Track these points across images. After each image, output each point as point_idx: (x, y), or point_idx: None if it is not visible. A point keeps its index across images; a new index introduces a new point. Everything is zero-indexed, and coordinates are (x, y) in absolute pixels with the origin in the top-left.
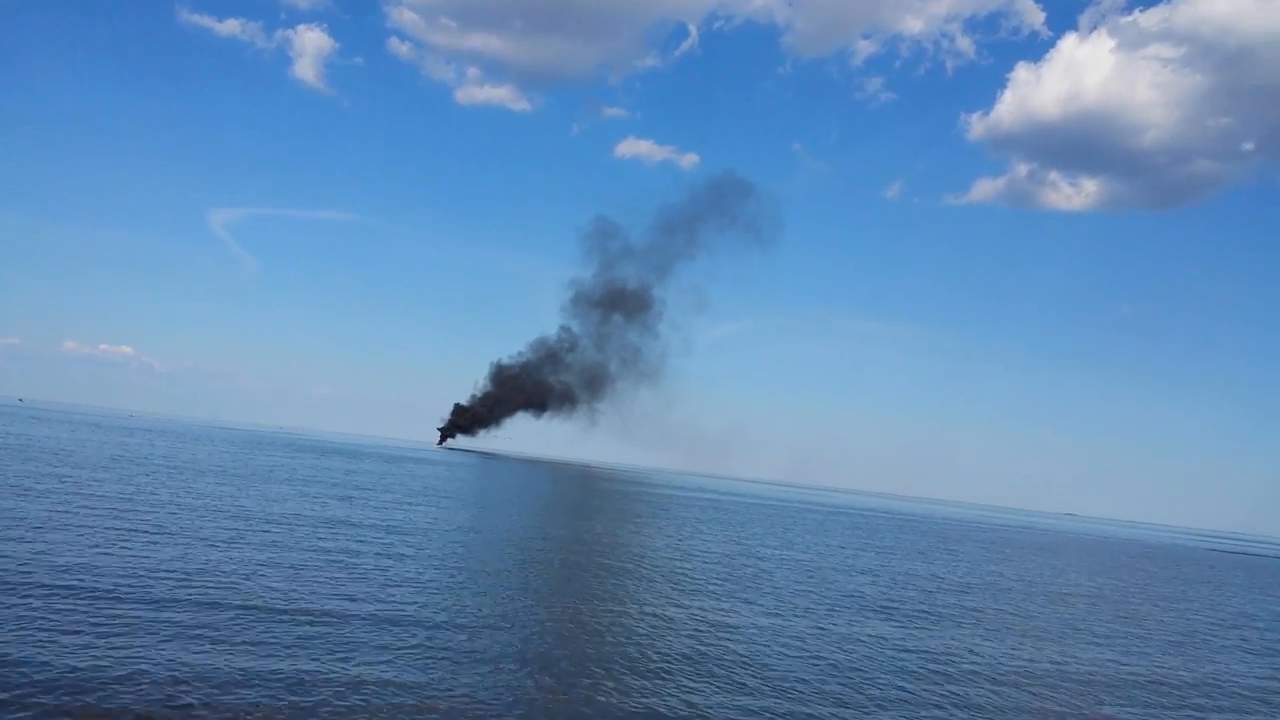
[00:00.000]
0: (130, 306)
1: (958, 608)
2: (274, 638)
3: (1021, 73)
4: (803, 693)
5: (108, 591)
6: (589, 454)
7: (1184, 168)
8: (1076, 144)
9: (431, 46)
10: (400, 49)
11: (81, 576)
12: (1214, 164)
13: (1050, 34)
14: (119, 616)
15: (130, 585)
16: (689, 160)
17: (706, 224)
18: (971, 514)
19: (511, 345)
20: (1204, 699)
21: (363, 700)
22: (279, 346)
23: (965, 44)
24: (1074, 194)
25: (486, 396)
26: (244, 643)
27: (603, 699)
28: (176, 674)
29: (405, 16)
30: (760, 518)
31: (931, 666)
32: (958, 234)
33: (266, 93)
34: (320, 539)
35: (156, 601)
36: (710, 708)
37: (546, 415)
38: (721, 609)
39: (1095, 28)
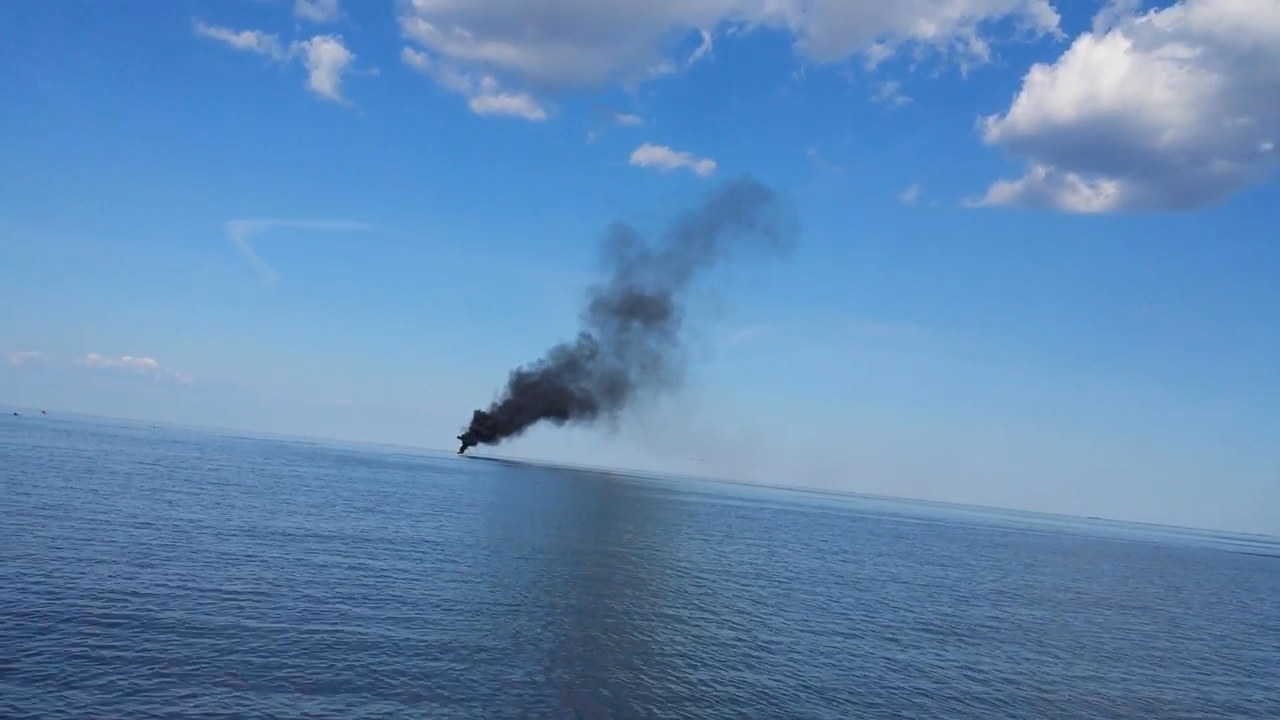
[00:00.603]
0: (153, 319)
1: (1008, 623)
2: (319, 665)
3: (1037, 75)
4: None
5: (149, 616)
6: (608, 461)
7: (1202, 168)
8: (1093, 146)
9: (446, 56)
10: (415, 59)
11: (115, 601)
12: (1232, 164)
13: (1065, 36)
14: (169, 644)
15: (178, 606)
16: (705, 167)
17: (724, 230)
18: (995, 518)
19: (529, 353)
20: None
21: None
22: (299, 357)
23: (980, 47)
24: (1092, 196)
25: (507, 404)
26: (297, 670)
27: None
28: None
29: (420, 27)
30: (787, 524)
31: (992, 691)
32: (975, 237)
33: (283, 104)
34: (358, 555)
35: (203, 629)
36: None
37: (568, 423)
38: (773, 627)
39: (1110, 29)
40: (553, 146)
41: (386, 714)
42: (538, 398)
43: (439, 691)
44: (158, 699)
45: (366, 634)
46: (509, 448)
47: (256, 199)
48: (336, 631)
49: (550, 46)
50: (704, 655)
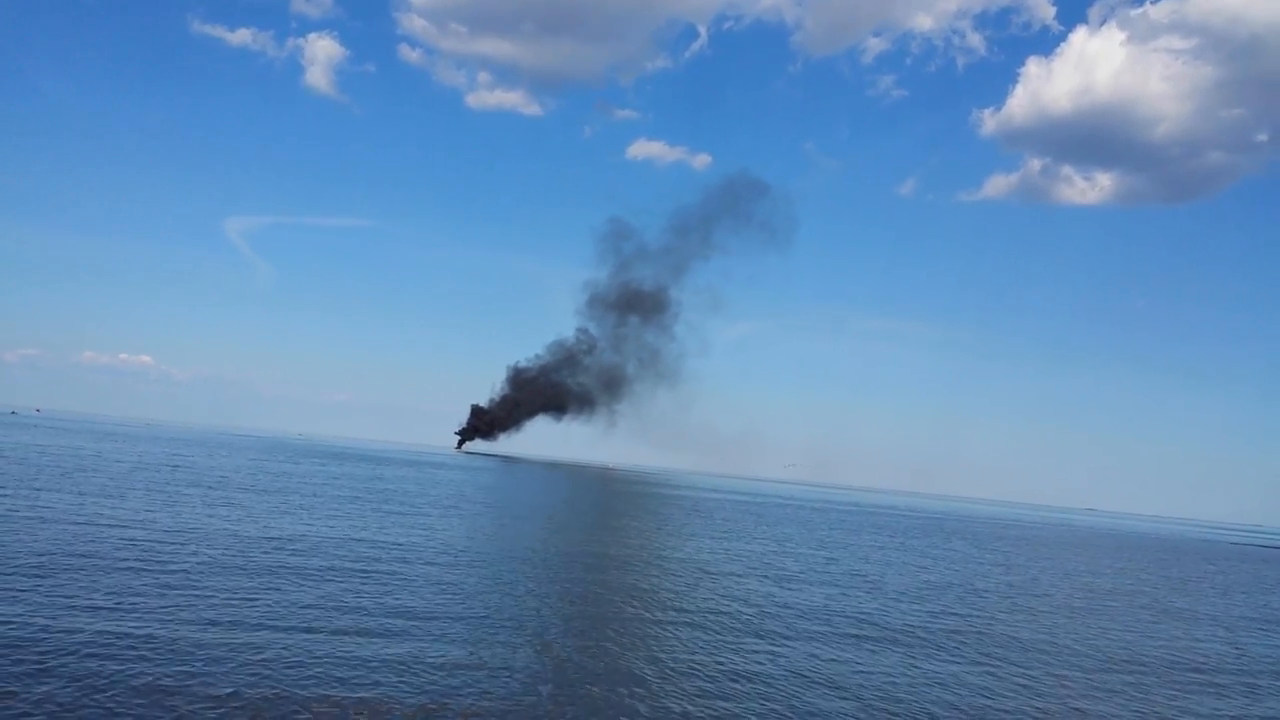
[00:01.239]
0: (149, 316)
1: (1029, 627)
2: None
3: (1032, 67)
4: None
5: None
6: (607, 456)
7: (1197, 160)
8: (1089, 138)
9: (442, 52)
10: (411, 55)
11: (131, 599)
12: (1227, 156)
13: (1061, 28)
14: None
15: (219, 609)
16: (701, 161)
17: (721, 224)
18: (993, 511)
19: (526, 349)
20: None
21: None
22: (296, 353)
23: (976, 40)
24: (1088, 188)
25: (505, 400)
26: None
27: None
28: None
29: (415, 23)
30: (790, 519)
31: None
32: (972, 230)
33: (279, 101)
34: (361, 558)
35: (224, 623)
36: None
37: (566, 418)
38: (794, 636)
39: (1105, 21)
40: (549, 142)
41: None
42: (535, 393)
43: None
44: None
45: (376, 640)
46: (507, 443)
47: (253, 196)
48: (342, 635)
49: (546, 41)
50: (724, 664)
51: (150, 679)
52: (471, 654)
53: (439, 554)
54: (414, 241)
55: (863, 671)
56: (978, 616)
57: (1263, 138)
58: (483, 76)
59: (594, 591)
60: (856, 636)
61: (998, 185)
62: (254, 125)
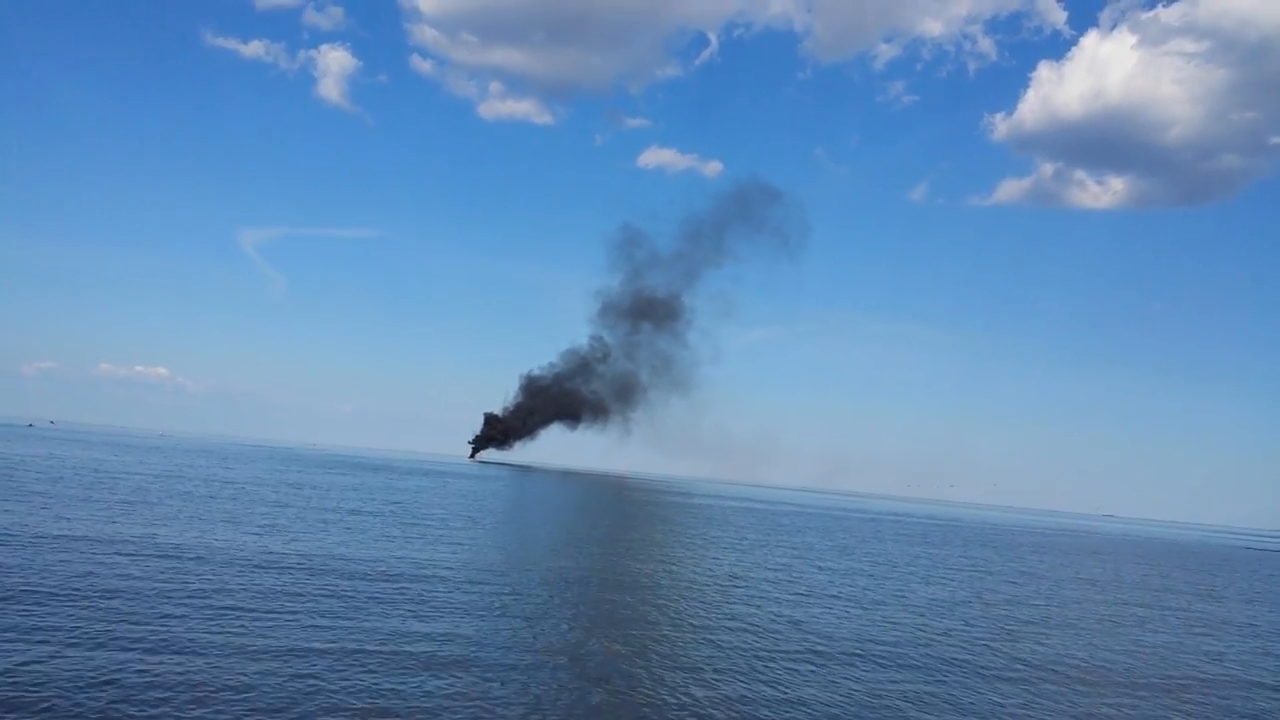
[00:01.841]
0: (164, 328)
1: (1071, 648)
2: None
3: (1044, 72)
4: None
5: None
6: (620, 464)
7: (1210, 163)
8: (1101, 142)
9: (453, 62)
10: (423, 66)
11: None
12: (1241, 158)
13: (1072, 32)
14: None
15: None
16: (712, 168)
17: (733, 230)
18: (1010, 518)
19: (538, 357)
20: None
21: None
22: (309, 364)
23: (986, 45)
24: (1101, 192)
25: (519, 408)
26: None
27: None
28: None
29: (427, 34)
30: (811, 527)
31: None
32: (984, 235)
33: (292, 112)
34: (393, 575)
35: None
36: None
37: (580, 426)
38: (831, 652)
39: (1116, 25)
40: (560, 150)
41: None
42: (549, 401)
43: None
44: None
45: (422, 675)
46: (519, 452)
47: (266, 207)
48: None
49: (557, 51)
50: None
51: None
52: (524, 691)
53: (470, 574)
54: (426, 251)
55: (914, 698)
56: (1015, 632)
57: (1276, 140)
58: (494, 86)
59: (638, 615)
60: (897, 662)
61: (1010, 190)
62: (267, 137)
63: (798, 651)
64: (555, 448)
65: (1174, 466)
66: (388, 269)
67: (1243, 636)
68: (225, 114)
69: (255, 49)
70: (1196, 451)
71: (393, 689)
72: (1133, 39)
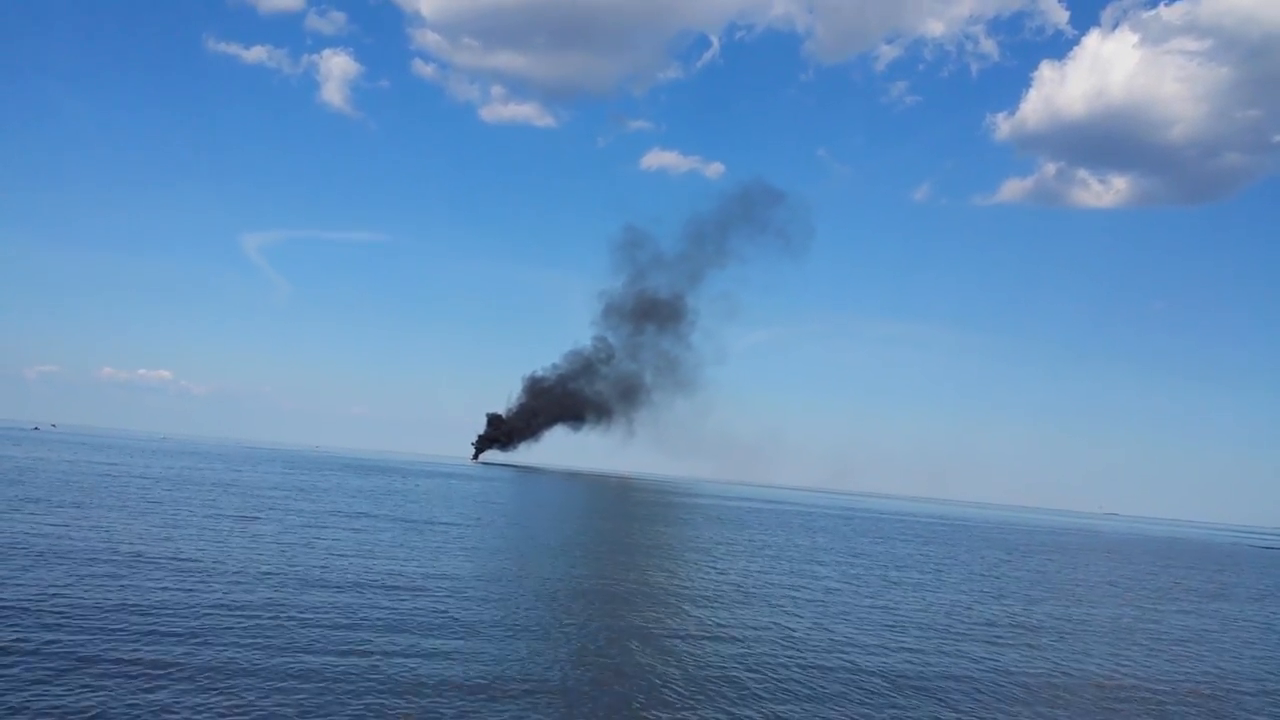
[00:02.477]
0: (167, 331)
1: (1105, 657)
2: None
3: (1046, 71)
4: None
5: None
6: (623, 465)
7: (1213, 161)
8: (1104, 141)
9: (455, 66)
10: (425, 70)
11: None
12: (1244, 156)
13: (1074, 32)
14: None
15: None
16: (714, 170)
17: (736, 232)
18: (1013, 516)
19: (540, 360)
20: None
21: None
22: (312, 367)
23: (989, 45)
24: (1104, 191)
25: (522, 409)
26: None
27: None
28: None
29: (429, 38)
30: (821, 528)
31: None
32: (987, 235)
33: (295, 117)
34: (400, 583)
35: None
36: None
37: (584, 428)
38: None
39: (1118, 24)
40: (563, 153)
41: None
42: (553, 402)
43: None
44: None
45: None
46: (522, 453)
47: (269, 211)
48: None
49: (559, 54)
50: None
51: None
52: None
53: (482, 582)
54: (429, 254)
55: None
56: (1042, 637)
57: (1279, 138)
58: (496, 90)
59: (670, 628)
60: (920, 685)
61: (1012, 189)
62: (270, 142)
63: (834, 668)
64: (558, 449)
65: (1176, 464)
66: (390, 272)
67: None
68: (228, 119)
69: (258, 54)
70: (1198, 449)
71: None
72: (1134, 38)
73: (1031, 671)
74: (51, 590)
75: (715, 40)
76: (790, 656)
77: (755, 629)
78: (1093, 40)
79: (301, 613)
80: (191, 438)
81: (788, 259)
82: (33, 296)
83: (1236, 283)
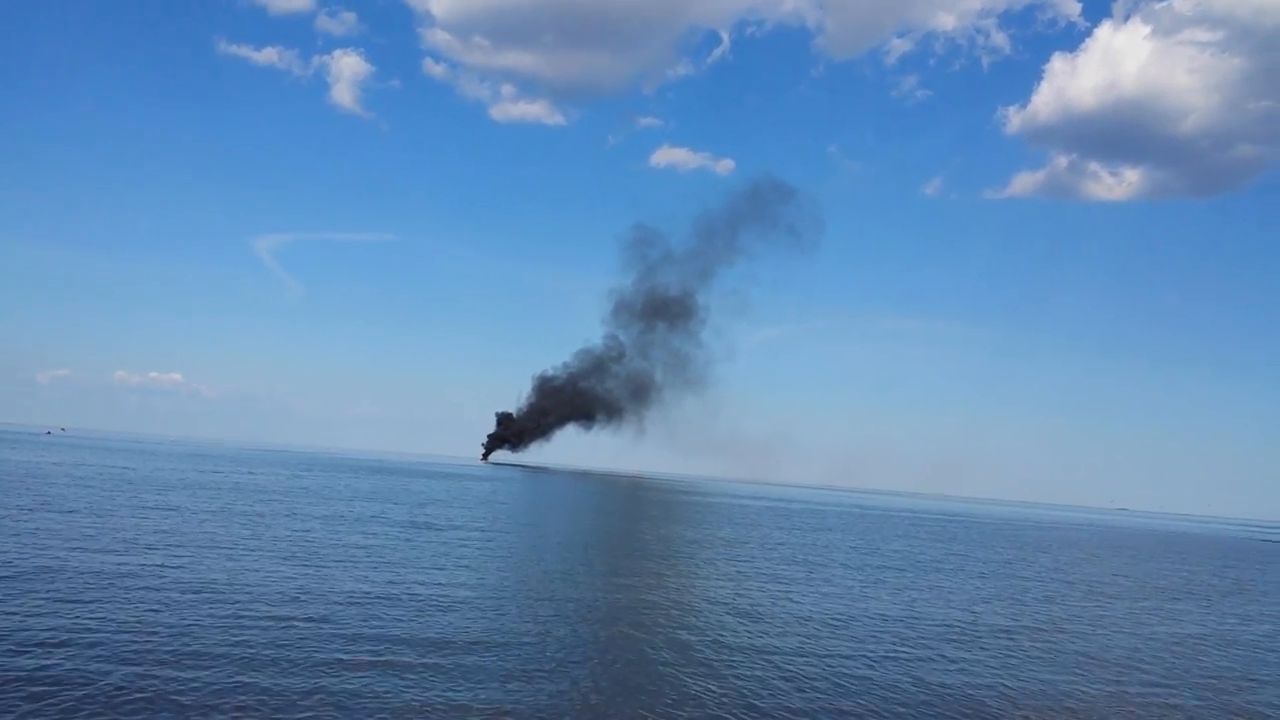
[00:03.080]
0: (179, 334)
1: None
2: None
3: (1057, 64)
4: None
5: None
6: (634, 464)
7: (1226, 153)
8: (1116, 133)
9: (466, 66)
10: (435, 70)
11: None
12: (1256, 148)
13: (1086, 24)
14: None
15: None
16: (724, 166)
17: (746, 228)
18: (1025, 513)
19: (550, 359)
20: None
21: None
22: (323, 368)
23: (1000, 38)
24: (1115, 184)
25: (532, 408)
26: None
27: None
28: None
29: (439, 37)
30: (839, 525)
31: None
32: (998, 229)
33: (306, 119)
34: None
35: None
36: None
37: (594, 427)
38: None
39: (1130, 15)
40: (573, 151)
41: None
42: (563, 401)
43: None
44: None
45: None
46: (532, 453)
47: (280, 213)
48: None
49: (568, 53)
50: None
51: None
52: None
53: (499, 589)
54: (440, 254)
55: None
56: (1063, 635)
57: None
58: (506, 89)
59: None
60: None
61: (1024, 183)
62: (281, 143)
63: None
64: (568, 448)
65: (1185, 459)
66: (402, 272)
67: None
68: (239, 121)
69: (268, 55)
70: (1209, 444)
71: None
72: (1146, 29)
73: (1054, 673)
74: (64, 602)
75: (725, 36)
76: (788, 645)
77: (786, 621)
78: (1104, 32)
79: (314, 622)
80: (202, 440)
81: (798, 255)
82: (45, 300)
83: (1249, 275)
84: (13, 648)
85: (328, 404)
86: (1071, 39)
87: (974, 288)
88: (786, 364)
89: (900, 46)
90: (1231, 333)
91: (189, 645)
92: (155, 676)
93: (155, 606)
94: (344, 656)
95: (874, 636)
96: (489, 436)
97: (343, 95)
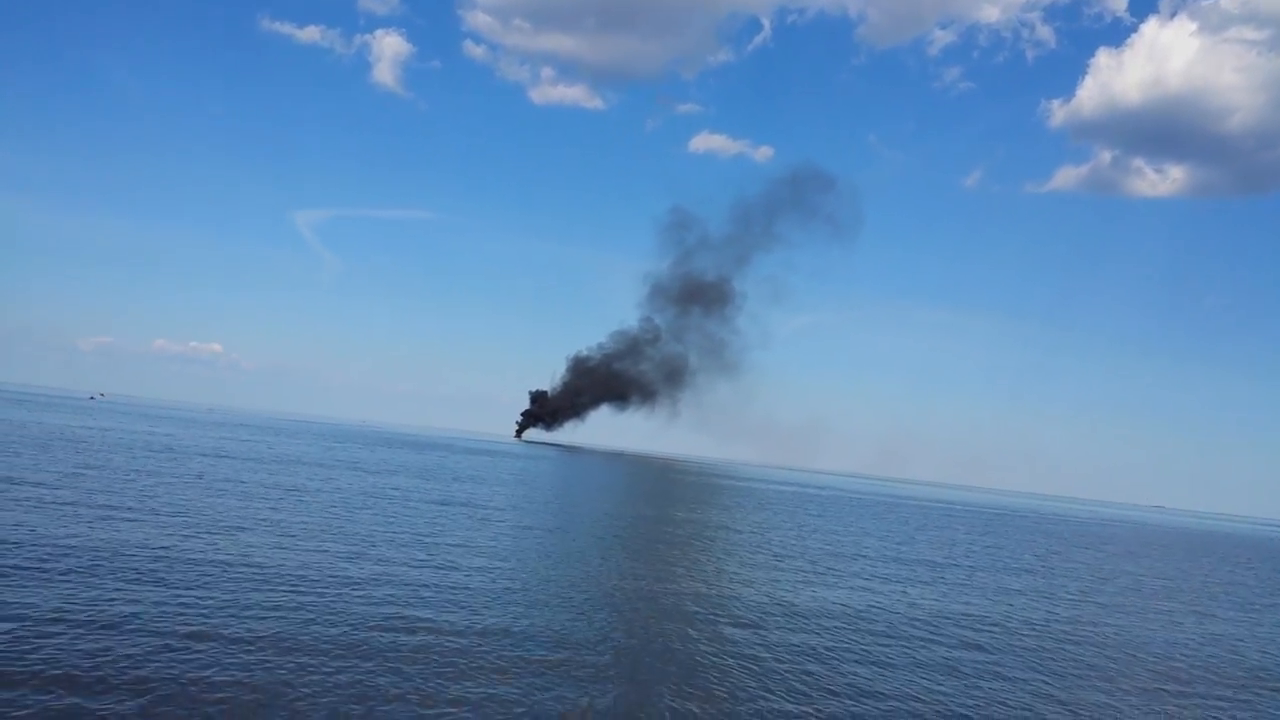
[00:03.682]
0: (220, 305)
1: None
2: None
3: (1103, 59)
4: None
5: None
6: (666, 447)
7: (1271, 151)
8: (1161, 130)
9: (506, 48)
10: (475, 51)
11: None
12: None
13: (1132, 19)
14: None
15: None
16: (763, 154)
17: (784, 216)
18: (1062, 508)
19: (585, 339)
20: None
21: None
22: (360, 343)
23: (1045, 32)
24: (1159, 180)
25: (567, 388)
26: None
27: None
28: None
29: (480, 19)
30: (878, 515)
31: None
32: (1040, 223)
33: (347, 97)
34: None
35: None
36: None
37: (629, 408)
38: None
39: (1176, 12)
40: (611, 135)
41: None
42: (597, 382)
43: None
44: None
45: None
46: (566, 432)
47: (321, 189)
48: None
49: (609, 36)
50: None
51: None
52: None
53: (535, 563)
54: (477, 233)
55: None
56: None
57: None
58: (546, 72)
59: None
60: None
61: (1066, 177)
62: (322, 120)
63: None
64: (601, 429)
65: (1224, 458)
66: (439, 250)
67: None
68: (281, 98)
69: (311, 34)
70: (1247, 443)
71: None
72: (1193, 26)
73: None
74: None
75: (766, 23)
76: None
77: (829, 610)
78: (1151, 28)
79: (350, 587)
80: (238, 410)
81: (836, 244)
82: (89, 269)
83: None
84: (69, 627)
85: (364, 378)
86: (1117, 34)
87: (1013, 281)
88: (823, 352)
89: (943, 37)
90: (1270, 333)
91: (213, 625)
92: (194, 657)
93: (204, 580)
94: (372, 636)
95: (935, 637)
96: (523, 414)
97: (384, 74)
